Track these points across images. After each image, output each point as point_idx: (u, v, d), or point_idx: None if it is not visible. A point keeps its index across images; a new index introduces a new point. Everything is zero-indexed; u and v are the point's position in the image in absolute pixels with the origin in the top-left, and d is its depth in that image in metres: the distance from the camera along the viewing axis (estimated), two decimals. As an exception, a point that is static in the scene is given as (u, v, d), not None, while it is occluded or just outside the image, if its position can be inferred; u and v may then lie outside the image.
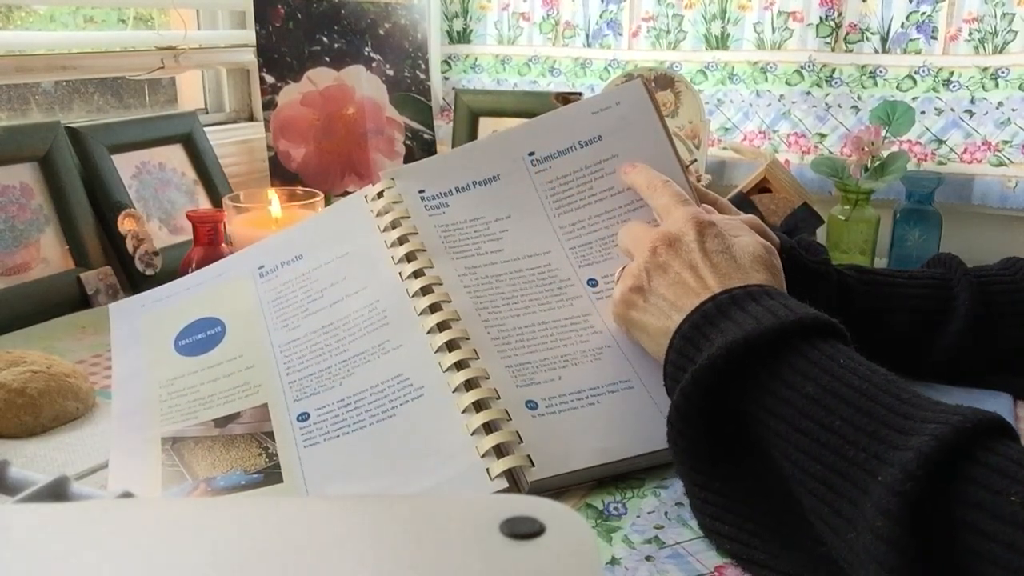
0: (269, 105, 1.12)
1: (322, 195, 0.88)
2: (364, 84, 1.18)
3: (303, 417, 0.56)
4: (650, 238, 0.56)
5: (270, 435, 0.55)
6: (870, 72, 1.11)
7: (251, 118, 1.28)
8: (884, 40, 1.09)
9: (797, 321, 0.46)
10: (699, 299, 0.51)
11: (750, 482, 0.47)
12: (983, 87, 1.05)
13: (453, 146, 1.22)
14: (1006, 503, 0.34)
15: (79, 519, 0.24)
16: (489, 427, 0.53)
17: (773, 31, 1.15)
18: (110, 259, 0.92)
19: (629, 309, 0.56)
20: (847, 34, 1.11)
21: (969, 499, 0.35)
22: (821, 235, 1.03)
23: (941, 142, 1.07)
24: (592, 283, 0.62)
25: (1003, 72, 1.03)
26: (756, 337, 0.45)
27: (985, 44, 1.04)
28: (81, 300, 0.87)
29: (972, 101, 1.05)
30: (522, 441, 0.52)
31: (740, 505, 0.47)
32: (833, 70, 1.13)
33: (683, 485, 0.50)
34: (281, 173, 1.13)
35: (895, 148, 1.05)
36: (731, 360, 0.46)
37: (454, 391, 0.55)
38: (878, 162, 1.01)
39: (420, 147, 1.22)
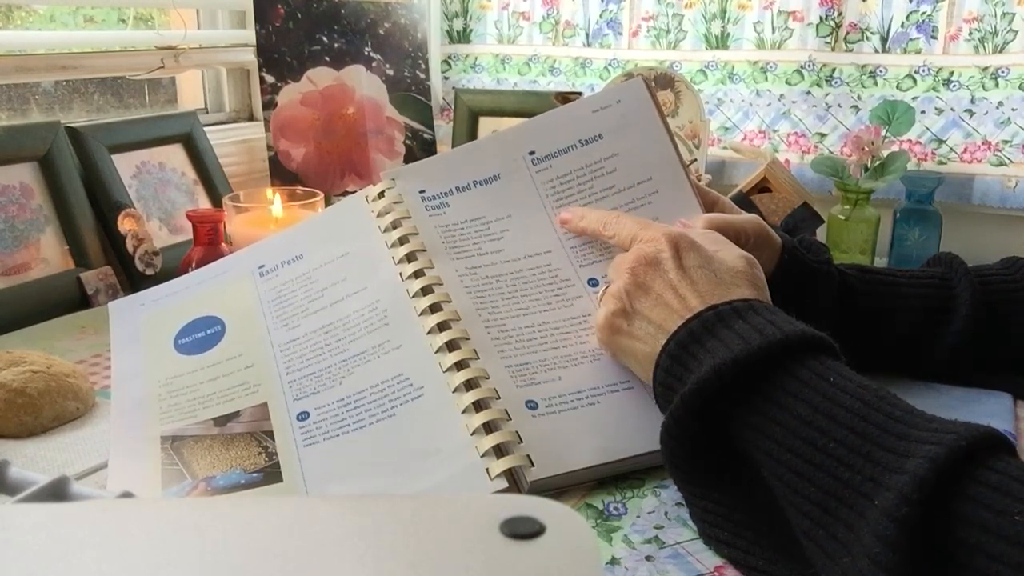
0: (269, 105, 1.12)
1: (322, 195, 0.88)
2: (364, 84, 1.18)
3: (303, 416, 0.56)
4: (628, 260, 0.56)
5: (269, 434, 0.55)
6: (870, 72, 1.11)
7: (251, 118, 1.28)
8: (884, 40, 1.09)
9: (784, 339, 0.45)
10: (682, 319, 0.50)
11: (747, 492, 0.47)
12: (983, 87, 1.05)
13: (453, 146, 1.22)
14: (1010, 523, 0.34)
15: (79, 519, 0.24)
16: (489, 427, 0.53)
17: (773, 31, 1.15)
18: (110, 259, 0.92)
19: (614, 334, 0.55)
20: (847, 34, 1.11)
21: (971, 520, 0.35)
22: (821, 235, 1.03)
23: (941, 142, 1.07)
24: (593, 283, 0.62)
25: (1003, 72, 1.03)
26: (744, 358, 0.45)
27: (985, 44, 1.04)
28: (81, 300, 0.87)
29: (972, 101, 1.05)
30: (522, 441, 0.52)
31: (738, 513, 0.47)
32: (833, 70, 1.13)
33: (681, 495, 0.50)
34: (281, 173, 1.13)
35: (895, 148, 1.05)
36: (720, 383, 0.45)
37: (454, 391, 0.55)
38: (878, 162, 1.01)
39: (420, 147, 1.22)
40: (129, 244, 0.92)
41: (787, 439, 0.42)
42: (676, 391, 0.48)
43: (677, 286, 0.52)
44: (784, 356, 0.45)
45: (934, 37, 1.07)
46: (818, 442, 0.41)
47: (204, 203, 1.05)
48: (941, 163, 1.07)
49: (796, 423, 0.42)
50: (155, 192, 1.00)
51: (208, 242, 0.83)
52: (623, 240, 0.59)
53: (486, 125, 1.23)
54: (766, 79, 1.17)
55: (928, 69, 1.08)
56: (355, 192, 0.69)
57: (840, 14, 1.11)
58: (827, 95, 1.13)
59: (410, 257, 0.62)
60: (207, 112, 1.25)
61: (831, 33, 1.12)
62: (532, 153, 0.66)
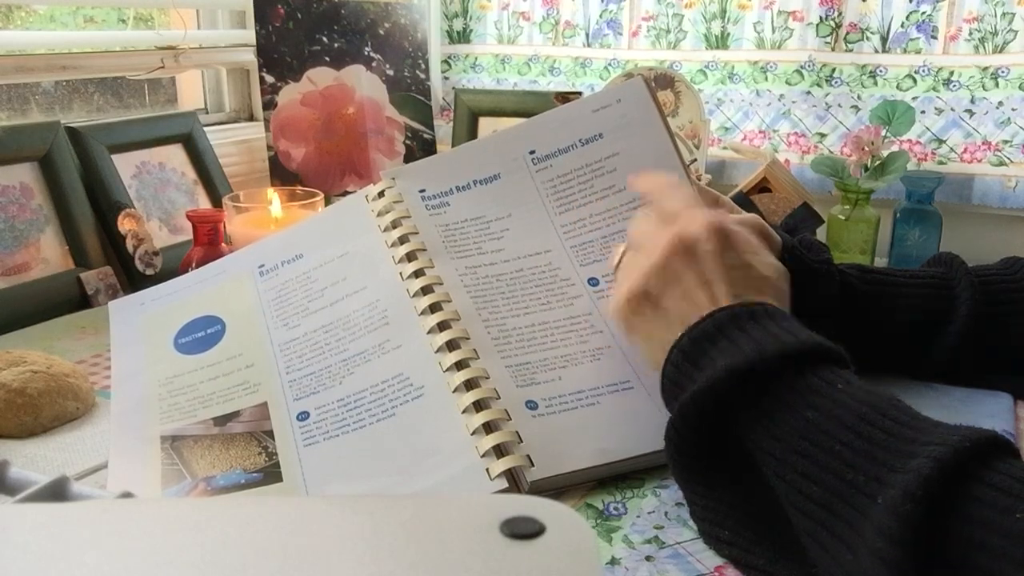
0: (269, 105, 1.12)
1: (322, 195, 0.88)
2: (364, 84, 1.18)
3: (303, 416, 0.56)
4: (665, 238, 0.53)
5: (269, 434, 0.55)
6: (870, 72, 1.11)
7: (251, 118, 1.28)
8: (884, 39, 1.09)
9: (799, 346, 0.46)
10: (702, 314, 0.50)
11: (749, 492, 0.47)
12: (983, 87, 1.05)
13: (453, 146, 1.22)
14: (1013, 521, 0.34)
15: (79, 519, 0.24)
16: (489, 427, 0.53)
17: (773, 30, 1.15)
18: (110, 259, 0.92)
19: (634, 314, 0.55)
20: (847, 33, 1.11)
21: (974, 518, 0.35)
22: (821, 235, 1.03)
23: (941, 142, 1.07)
24: (593, 282, 0.62)
25: (1003, 72, 1.03)
26: (759, 363, 0.45)
27: (985, 44, 1.04)
28: (81, 300, 0.87)
29: (972, 101, 1.05)
30: (522, 441, 0.52)
31: (739, 513, 0.47)
32: (833, 69, 1.13)
33: (682, 494, 0.50)
34: (281, 173, 1.13)
35: (895, 148, 1.05)
36: (732, 384, 0.45)
37: (454, 391, 0.54)
38: (878, 162, 1.01)
39: (420, 147, 1.22)
40: (129, 244, 0.92)
41: (794, 441, 0.42)
42: (685, 388, 0.48)
43: (709, 281, 0.51)
44: (797, 363, 0.45)
45: (934, 37, 1.07)
46: (825, 444, 0.41)
47: (204, 203, 1.05)
48: (941, 163, 1.07)
49: (804, 426, 0.43)
50: (155, 192, 1.00)
51: (208, 242, 0.83)
52: (667, 212, 0.56)
53: (486, 125, 1.23)
54: (766, 79, 1.17)
55: (928, 69, 1.07)
56: (355, 192, 0.69)
57: (840, 14, 1.11)
58: (827, 95, 1.13)
59: (410, 256, 0.62)
60: (207, 112, 1.25)
61: (831, 33, 1.12)
62: (532, 152, 0.66)
